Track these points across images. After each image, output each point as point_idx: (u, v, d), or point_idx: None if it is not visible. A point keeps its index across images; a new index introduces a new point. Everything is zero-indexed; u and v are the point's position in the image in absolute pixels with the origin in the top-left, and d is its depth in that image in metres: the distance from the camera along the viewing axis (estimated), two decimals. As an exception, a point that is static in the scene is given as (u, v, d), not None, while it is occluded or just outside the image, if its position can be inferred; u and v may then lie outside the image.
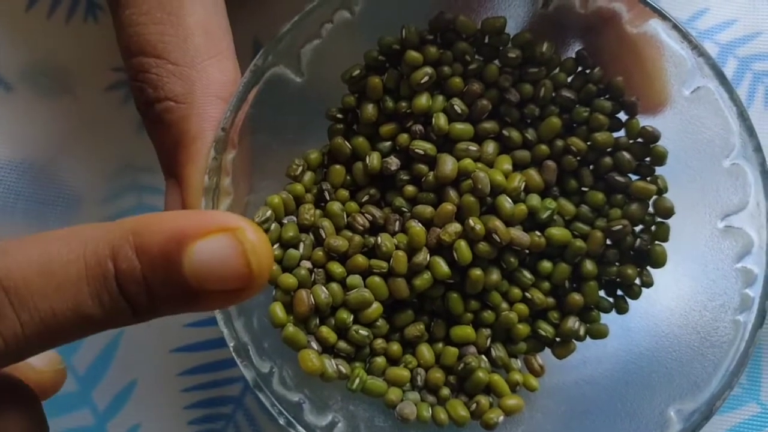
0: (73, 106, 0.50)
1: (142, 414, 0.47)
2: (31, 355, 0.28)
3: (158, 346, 0.48)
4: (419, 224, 0.38)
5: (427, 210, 0.38)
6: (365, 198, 0.40)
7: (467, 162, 0.38)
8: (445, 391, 0.39)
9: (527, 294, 0.39)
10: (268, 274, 0.29)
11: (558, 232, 0.39)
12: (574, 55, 0.40)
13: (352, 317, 0.38)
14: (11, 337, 0.27)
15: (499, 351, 0.39)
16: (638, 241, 0.39)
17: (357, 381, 0.38)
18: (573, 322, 0.39)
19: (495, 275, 0.38)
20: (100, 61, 0.50)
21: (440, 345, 0.39)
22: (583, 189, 0.40)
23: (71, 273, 0.27)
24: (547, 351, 0.40)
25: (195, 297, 0.27)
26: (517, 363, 0.40)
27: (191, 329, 0.48)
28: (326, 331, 0.37)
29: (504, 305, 0.39)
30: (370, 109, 0.39)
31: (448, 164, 0.38)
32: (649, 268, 0.40)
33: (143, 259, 0.27)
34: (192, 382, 0.47)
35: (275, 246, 0.38)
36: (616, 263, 0.40)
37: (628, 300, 0.40)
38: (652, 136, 0.39)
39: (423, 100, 0.39)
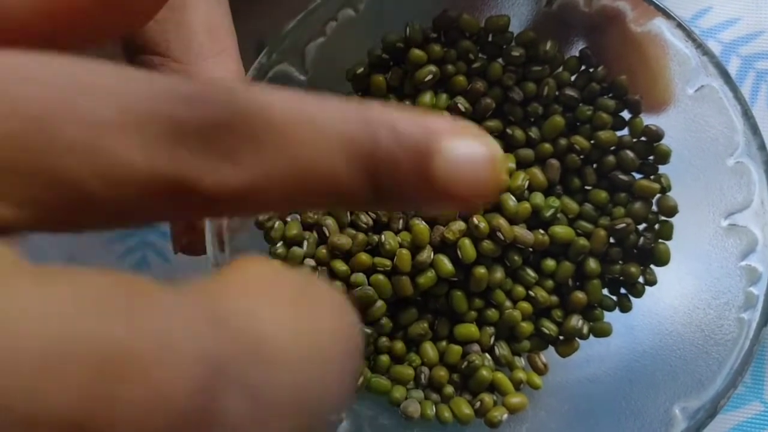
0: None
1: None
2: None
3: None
4: (423, 222, 0.38)
5: (430, 208, 0.38)
6: (369, 196, 0.40)
7: (471, 160, 0.38)
8: (449, 389, 0.39)
9: (531, 292, 0.39)
10: (504, 178, 0.28)
11: (561, 230, 0.39)
12: (577, 54, 0.40)
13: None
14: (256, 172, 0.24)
15: (502, 349, 0.39)
16: (642, 239, 0.39)
17: (361, 379, 0.38)
18: (576, 321, 0.39)
19: (499, 273, 0.38)
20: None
21: (444, 343, 0.39)
22: (587, 187, 0.40)
23: (336, 133, 0.25)
24: (551, 349, 0.40)
25: (439, 195, 0.26)
26: (520, 361, 0.40)
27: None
28: (330, 329, 0.37)
29: (508, 303, 0.39)
30: (373, 107, 0.39)
31: (452, 162, 0.38)
32: (652, 266, 0.40)
33: (400, 144, 0.26)
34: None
35: (279, 244, 0.38)
36: (620, 261, 0.40)
37: (632, 298, 0.40)
38: (656, 135, 0.39)
39: (426, 98, 0.39)
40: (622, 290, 0.40)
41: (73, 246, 0.49)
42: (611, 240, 0.39)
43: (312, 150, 0.25)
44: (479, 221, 0.37)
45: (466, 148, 0.25)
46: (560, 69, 0.40)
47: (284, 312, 0.19)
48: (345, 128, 0.25)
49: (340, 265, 0.38)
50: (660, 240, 0.39)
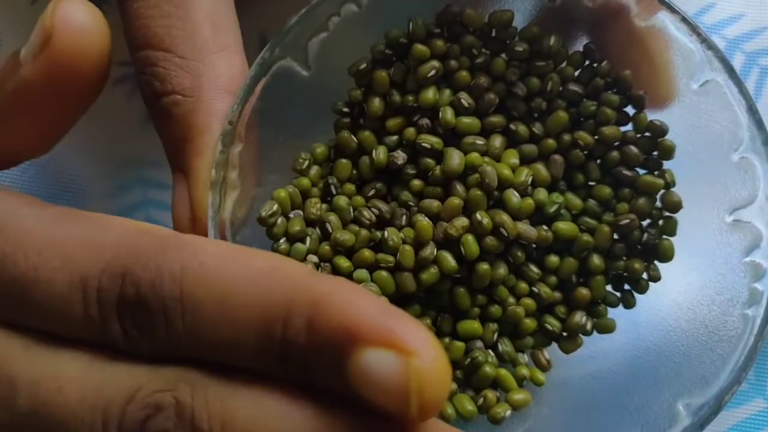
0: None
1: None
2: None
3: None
4: (426, 218, 0.38)
5: (434, 204, 0.38)
6: (372, 192, 0.40)
7: (474, 156, 0.38)
8: (452, 386, 0.39)
9: (534, 288, 0.39)
10: (435, 410, 0.25)
11: (565, 226, 0.39)
12: (581, 49, 0.40)
13: (359, 311, 0.38)
14: (167, 335, 0.27)
15: (506, 345, 0.39)
16: (646, 235, 0.39)
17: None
18: (580, 317, 0.39)
19: (502, 269, 0.38)
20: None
21: (447, 339, 0.39)
22: (591, 183, 0.40)
23: (248, 314, 0.26)
24: (554, 345, 0.40)
25: (344, 387, 0.26)
26: (524, 357, 0.40)
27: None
28: (333, 326, 0.37)
29: (511, 300, 0.39)
30: (376, 102, 0.39)
31: (455, 158, 0.37)
32: (656, 262, 0.39)
33: (312, 339, 0.25)
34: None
35: (282, 240, 0.38)
36: (624, 258, 0.39)
37: (636, 294, 0.40)
38: (660, 130, 0.39)
39: (430, 94, 0.39)
40: (626, 286, 0.40)
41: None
42: (615, 236, 0.39)
43: (219, 333, 0.27)
44: (482, 217, 0.37)
45: (381, 360, 0.24)
46: (564, 64, 0.40)
47: None
48: (260, 312, 0.26)
49: (343, 262, 0.38)
50: (664, 236, 0.39)
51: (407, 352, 0.24)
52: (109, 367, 0.27)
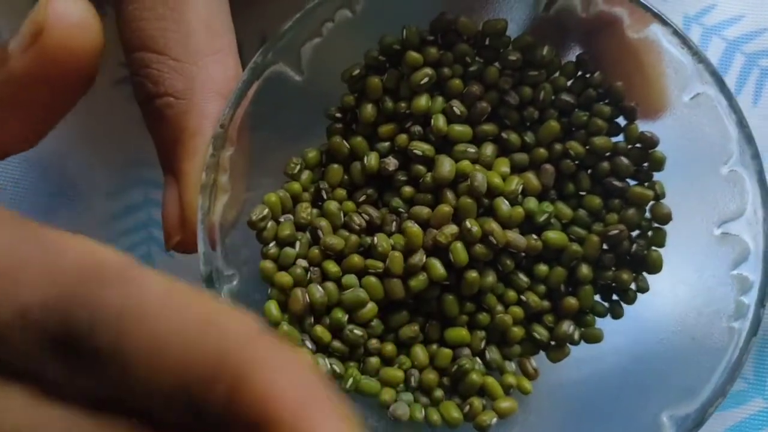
0: (80, 100, 0.50)
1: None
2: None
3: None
4: (416, 225, 0.38)
5: (424, 211, 0.38)
6: (362, 198, 0.40)
7: (465, 164, 0.38)
8: (439, 393, 0.39)
9: (523, 297, 0.39)
10: None
11: (555, 235, 0.39)
12: (574, 59, 0.40)
13: (347, 317, 0.38)
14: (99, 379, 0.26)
15: (493, 353, 0.39)
16: (635, 246, 0.39)
17: (350, 381, 0.38)
18: (568, 326, 0.39)
19: (491, 277, 0.38)
20: (108, 56, 0.50)
21: (435, 346, 0.39)
22: (581, 193, 0.40)
23: (175, 369, 0.25)
24: (542, 354, 0.40)
25: None
26: (511, 365, 0.40)
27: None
28: (321, 331, 0.38)
29: (499, 308, 0.39)
30: (369, 109, 0.39)
31: (446, 165, 0.38)
32: (644, 273, 0.40)
33: (229, 409, 0.24)
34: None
35: (271, 244, 0.38)
36: (612, 268, 0.40)
37: (624, 305, 0.40)
38: (651, 142, 0.39)
39: (422, 101, 0.39)
40: (614, 297, 0.40)
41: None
42: (604, 246, 0.39)
43: (146, 384, 0.26)
44: (472, 225, 0.37)
45: None
46: (557, 74, 0.40)
47: None
48: (186, 369, 0.25)
49: (332, 267, 0.38)
50: (653, 247, 0.39)
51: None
52: (47, 408, 0.26)
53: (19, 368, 0.27)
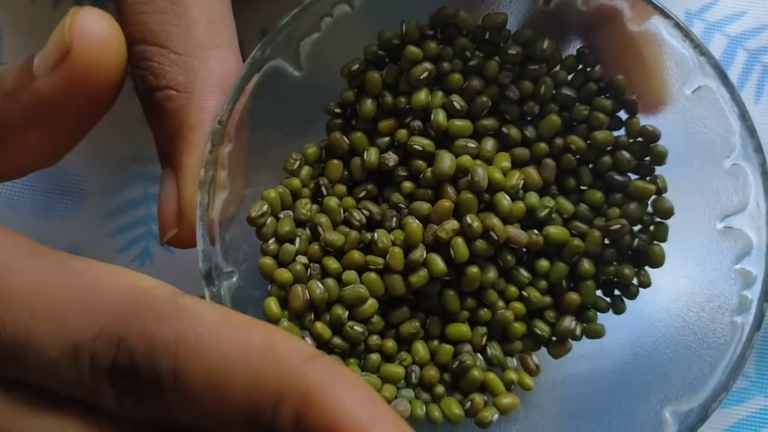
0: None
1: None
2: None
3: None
4: (416, 221, 0.38)
5: (424, 206, 0.38)
6: (362, 194, 0.40)
7: (466, 159, 0.38)
8: (440, 389, 0.39)
9: (524, 292, 0.39)
10: None
11: (556, 230, 0.39)
12: (575, 53, 0.40)
13: (347, 313, 0.38)
14: (159, 405, 0.27)
15: (494, 349, 0.39)
16: (636, 240, 0.39)
17: (352, 377, 0.37)
18: (569, 322, 0.39)
19: (492, 273, 0.38)
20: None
21: (435, 342, 0.39)
22: (582, 188, 0.40)
23: (233, 401, 0.26)
24: (543, 350, 0.40)
25: None
26: (512, 362, 0.40)
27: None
28: (321, 327, 0.37)
29: (500, 303, 0.39)
30: (368, 104, 0.39)
31: (447, 161, 0.37)
32: (647, 268, 0.39)
33: (301, 428, 0.25)
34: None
35: (271, 240, 0.38)
36: (614, 263, 0.39)
37: (626, 300, 0.40)
38: (653, 136, 0.38)
39: (422, 96, 0.38)
40: (616, 292, 0.40)
41: (78, 236, 0.49)
42: (606, 241, 0.39)
43: (209, 410, 0.26)
44: (473, 220, 0.37)
45: None
46: (557, 68, 0.40)
47: None
48: (250, 395, 0.26)
49: (332, 263, 0.38)
50: (655, 242, 0.39)
51: None
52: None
53: (71, 397, 0.28)
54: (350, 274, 0.38)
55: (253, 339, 0.26)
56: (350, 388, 0.25)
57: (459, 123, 0.39)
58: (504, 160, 0.39)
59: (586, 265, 0.39)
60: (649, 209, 0.39)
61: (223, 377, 0.26)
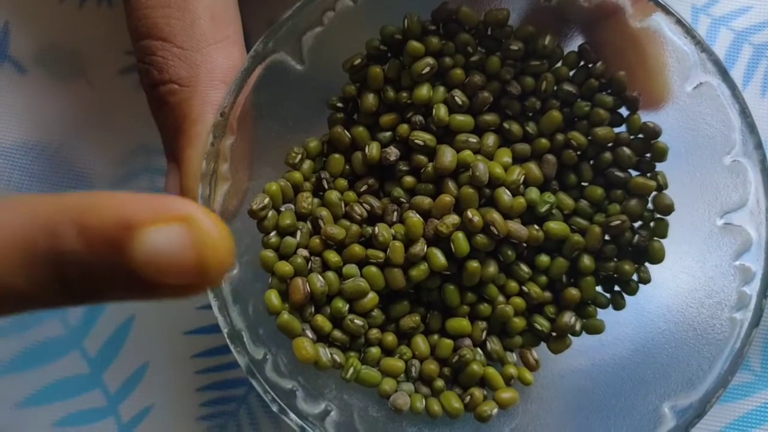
0: (87, 89, 0.50)
1: (155, 396, 0.47)
2: None
3: (171, 328, 0.48)
4: (417, 215, 0.38)
5: (425, 201, 0.38)
6: (364, 188, 0.40)
7: (467, 154, 0.38)
8: (440, 383, 0.39)
9: (524, 288, 0.39)
10: (222, 270, 0.25)
11: (556, 226, 0.39)
12: (576, 49, 0.40)
13: (347, 306, 0.38)
14: None
15: (494, 344, 0.39)
16: (637, 237, 0.39)
17: (351, 370, 0.38)
18: (569, 317, 0.39)
19: (492, 268, 0.38)
20: (114, 45, 0.50)
21: (435, 337, 0.39)
22: (583, 184, 0.40)
23: (4, 242, 0.25)
24: (543, 345, 0.40)
25: (139, 286, 0.26)
26: (512, 356, 0.40)
27: (204, 312, 0.48)
28: (321, 320, 0.38)
29: (500, 298, 0.39)
30: (370, 98, 0.39)
31: (448, 155, 0.38)
32: (647, 264, 0.39)
33: (86, 240, 0.24)
34: (205, 365, 0.47)
35: (272, 233, 0.38)
36: (614, 259, 0.39)
37: (625, 296, 0.40)
38: (654, 132, 0.38)
39: (424, 91, 0.39)
40: (616, 287, 0.40)
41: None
42: (606, 237, 0.39)
43: None
44: (473, 215, 0.37)
45: (164, 234, 0.24)
46: (559, 64, 0.40)
47: None
48: (22, 234, 0.25)
49: (333, 256, 0.38)
50: (655, 238, 0.39)
51: (187, 218, 0.24)
52: None
53: None
54: (351, 268, 0.38)
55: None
56: (114, 195, 0.25)
57: (460, 118, 0.39)
58: (505, 156, 0.39)
59: (586, 260, 0.39)
60: (650, 205, 0.39)
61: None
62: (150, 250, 0.24)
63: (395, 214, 0.39)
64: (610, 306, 0.40)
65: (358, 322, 0.38)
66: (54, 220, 0.25)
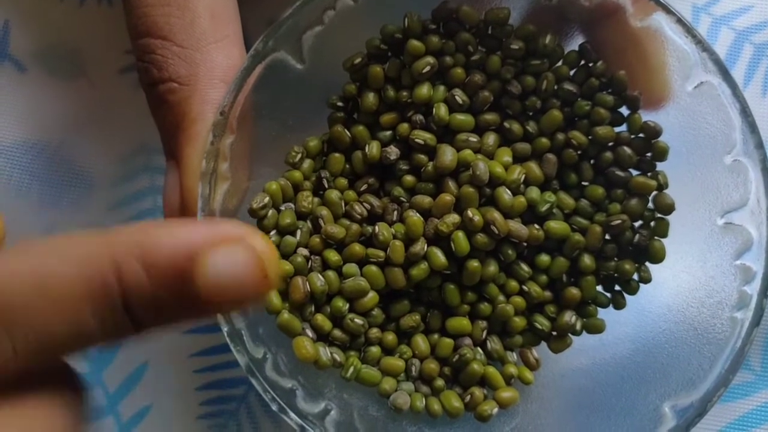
0: (87, 88, 0.50)
1: (154, 395, 0.47)
2: (30, 371, 0.26)
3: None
4: (417, 214, 0.38)
5: (425, 200, 0.38)
6: (364, 187, 0.40)
7: (467, 153, 0.38)
8: (440, 382, 0.39)
9: (524, 287, 0.39)
10: (278, 277, 0.27)
11: (557, 225, 0.39)
12: (577, 48, 0.40)
13: (347, 306, 0.38)
14: (6, 362, 0.25)
15: (494, 343, 0.39)
16: (637, 236, 0.39)
17: (351, 369, 0.38)
18: (570, 317, 0.39)
19: (492, 267, 0.38)
20: (114, 44, 0.50)
21: (436, 336, 0.39)
22: (583, 183, 0.40)
23: (70, 290, 0.25)
24: (543, 344, 0.40)
25: (206, 308, 0.26)
26: (512, 356, 0.40)
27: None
28: (321, 319, 0.38)
29: (501, 298, 0.39)
30: (370, 97, 0.39)
31: (448, 155, 0.37)
32: (647, 263, 0.39)
33: (153, 275, 0.25)
34: (205, 363, 0.47)
35: (272, 233, 0.38)
36: (615, 258, 0.39)
37: (626, 295, 0.40)
38: (654, 132, 0.38)
39: (424, 90, 0.39)
40: (617, 287, 0.40)
41: (84, 227, 0.49)
42: (606, 236, 0.39)
43: (50, 319, 0.25)
44: (474, 214, 0.37)
45: (228, 256, 0.26)
46: (559, 63, 0.40)
47: None
48: (84, 279, 0.25)
49: (333, 255, 0.38)
50: (655, 237, 0.39)
51: (242, 238, 0.26)
52: None
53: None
54: (351, 267, 0.38)
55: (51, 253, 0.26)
56: (163, 225, 0.26)
57: (461, 117, 0.39)
58: (505, 155, 0.39)
59: (587, 260, 0.39)
60: (650, 205, 0.39)
61: (48, 282, 0.25)
62: (216, 274, 0.26)
63: (395, 213, 0.39)
64: (611, 305, 0.40)
65: (358, 321, 0.38)
66: (117, 260, 0.25)
